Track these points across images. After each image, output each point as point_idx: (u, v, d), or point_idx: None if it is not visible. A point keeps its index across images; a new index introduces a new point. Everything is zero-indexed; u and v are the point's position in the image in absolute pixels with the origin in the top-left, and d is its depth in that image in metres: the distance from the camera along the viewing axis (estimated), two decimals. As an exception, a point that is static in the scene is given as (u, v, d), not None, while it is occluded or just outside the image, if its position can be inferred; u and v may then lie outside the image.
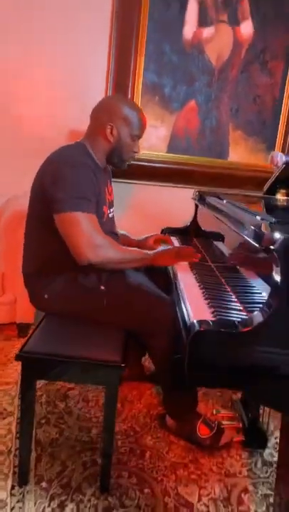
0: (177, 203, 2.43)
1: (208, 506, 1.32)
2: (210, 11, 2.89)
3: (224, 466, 1.50)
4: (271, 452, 1.58)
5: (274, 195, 1.84)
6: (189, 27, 2.86)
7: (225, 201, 1.56)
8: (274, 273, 0.85)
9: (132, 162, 1.64)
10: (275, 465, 1.51)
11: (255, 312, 0.88)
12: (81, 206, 1.37)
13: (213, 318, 0.95)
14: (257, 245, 0.91)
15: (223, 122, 3.08)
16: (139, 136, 1.59)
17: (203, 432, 1.55)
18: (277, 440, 1.64)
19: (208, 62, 2.97)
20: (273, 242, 0.84)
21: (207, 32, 2.91)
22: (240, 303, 1.11)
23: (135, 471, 1.44)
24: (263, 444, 1.58)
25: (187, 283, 1.33)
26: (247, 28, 2.98)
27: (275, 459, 1.54)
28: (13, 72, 2.54)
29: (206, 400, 1.87)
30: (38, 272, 1.52)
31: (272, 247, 0.83)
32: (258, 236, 0.91)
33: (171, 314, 1.39)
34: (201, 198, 1.92)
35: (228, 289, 1.25)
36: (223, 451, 1.56)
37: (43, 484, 1.34)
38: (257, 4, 2.92)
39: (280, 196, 1.83)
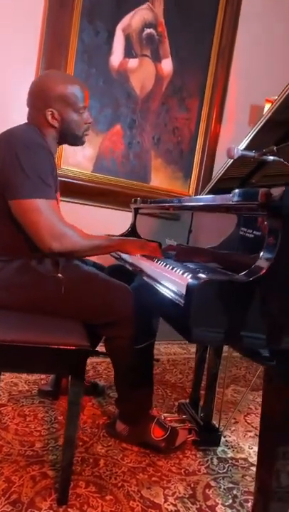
0: (103, 223, 2.41)
1: (176, 505, 1.23)
2: (134, 44, 3.07)
3: (182, 466, 1.43)
4: (224, 449, 1.56)
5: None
6: (116, 55, 3.00)
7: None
8: (272, 230, 0.87)
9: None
10: (230, 461, 1.49)
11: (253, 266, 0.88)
12: (41, 192, 1.26)
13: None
14: (253, 203, 0.91)
15: (146, 149, 3.21)
16: (85, 107, 1.46)
17: (157, 433, 1.48)
18: (227, 438, 1.63)
19: (133, 91, 3.12)
20: (271, 194, 0.86)
21: (132, 63, 3.07)
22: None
23: (92, 479, 1.30)
24: (217, 441, 1.56)
25: (155, 267, 1.30)
26: (167, 65, 3.22)
27: (229, 455, 1.53)
28: None
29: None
30: None
31: (273, 198, 0.84)
32: (251, 193, 0.92)
33: (132, 301, 1.34)
34: (144, 202, 1.93)
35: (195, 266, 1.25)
36: (178, 453, 1.49)
37: (-12, 503, 1.14)
38: (176, 45, 3.19)
39: None
